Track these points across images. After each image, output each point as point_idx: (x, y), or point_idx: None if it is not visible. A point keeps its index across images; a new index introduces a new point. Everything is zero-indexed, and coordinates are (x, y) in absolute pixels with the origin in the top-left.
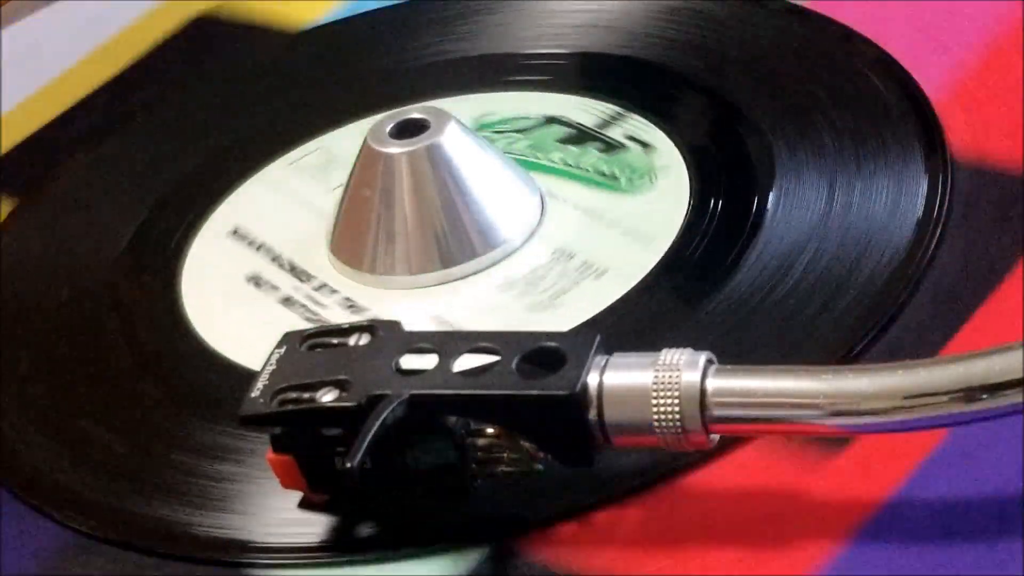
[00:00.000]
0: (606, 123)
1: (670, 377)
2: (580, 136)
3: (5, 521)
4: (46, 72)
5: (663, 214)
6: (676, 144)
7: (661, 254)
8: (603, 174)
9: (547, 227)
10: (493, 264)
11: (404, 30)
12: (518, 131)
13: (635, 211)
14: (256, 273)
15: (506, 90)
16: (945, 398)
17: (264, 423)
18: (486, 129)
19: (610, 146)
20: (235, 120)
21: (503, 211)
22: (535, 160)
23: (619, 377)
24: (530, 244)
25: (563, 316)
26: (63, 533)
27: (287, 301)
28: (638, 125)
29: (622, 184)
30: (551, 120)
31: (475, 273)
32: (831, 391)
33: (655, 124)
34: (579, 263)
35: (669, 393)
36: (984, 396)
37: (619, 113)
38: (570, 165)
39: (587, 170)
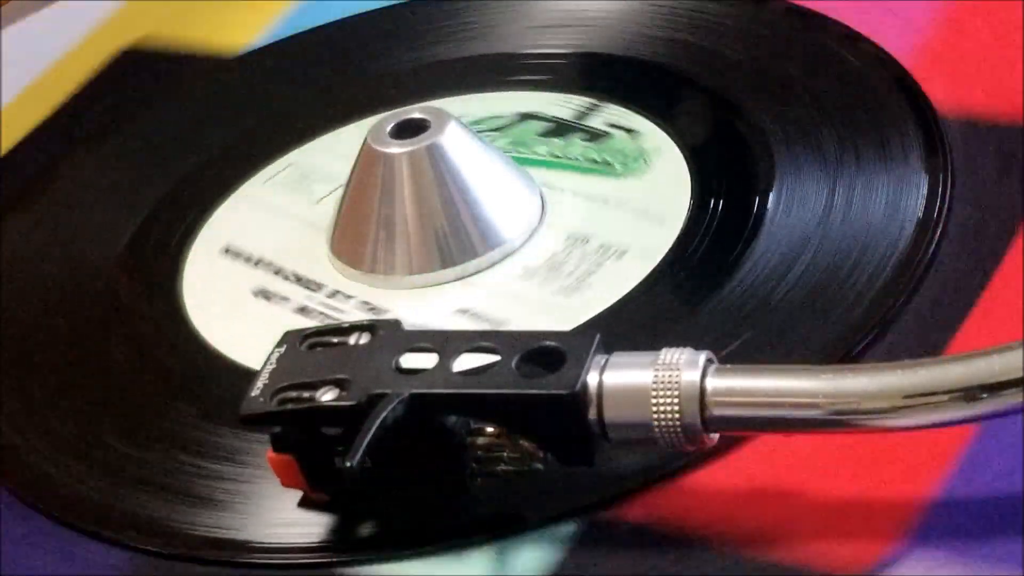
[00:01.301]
0: (583, 114)
1: (670, 376)
2: (560, 128)
3: (5, 521)
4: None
5: (668, 192)
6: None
7: (677, 230)
8: (595, 161)
9: (553, 216)
10: (493, 264)
11: (404, 30)
12: (494, 130)
13: (638, 192)
14: (262, 287)
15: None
16: (945, 398)
17: (264, 422)
18: None
19: (594, 135)
20: (233, 121)
21: (503, 211)
22: (519, 155)
23: (619, 376)
24: (540, 234)
25: (594, 297)
26: (63, 533)
27: (303, 310)
28: (616, 113)
29: (617, 168)
30: (526, 116)
31: (475, 273)
32: (831, 391)
33: (657, 125)
34: (596, 246)
35: (669, 392)
36: (984, 396)
37: (594, 104)
38: (558, 156)
39: (577, 159)
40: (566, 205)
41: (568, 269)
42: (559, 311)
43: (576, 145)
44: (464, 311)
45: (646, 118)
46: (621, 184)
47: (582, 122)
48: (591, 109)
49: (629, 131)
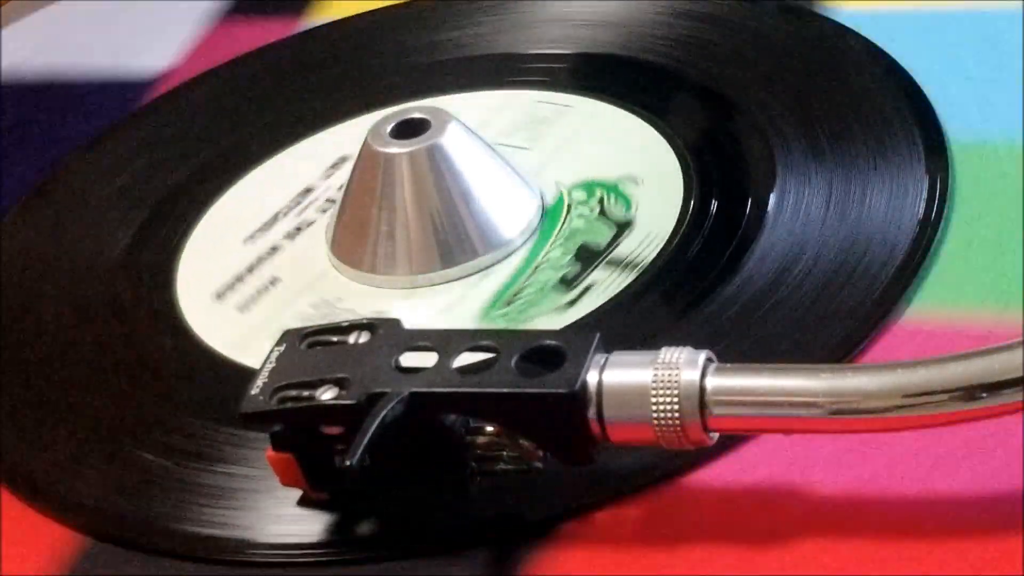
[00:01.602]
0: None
1: (669, 375)
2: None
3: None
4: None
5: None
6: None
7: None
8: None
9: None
10: (494, 264)
11: (404, 30)
12: None
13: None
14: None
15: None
16: (945, 397)
17: (264, 421)
18: None
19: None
20: (233, 121)
21: (503, 211)
22: None
23: (619, 375)
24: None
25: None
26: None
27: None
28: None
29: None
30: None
31: (475, 273)
32: (830, 390)
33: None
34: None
35: (668, 391)
36: (984, 395)
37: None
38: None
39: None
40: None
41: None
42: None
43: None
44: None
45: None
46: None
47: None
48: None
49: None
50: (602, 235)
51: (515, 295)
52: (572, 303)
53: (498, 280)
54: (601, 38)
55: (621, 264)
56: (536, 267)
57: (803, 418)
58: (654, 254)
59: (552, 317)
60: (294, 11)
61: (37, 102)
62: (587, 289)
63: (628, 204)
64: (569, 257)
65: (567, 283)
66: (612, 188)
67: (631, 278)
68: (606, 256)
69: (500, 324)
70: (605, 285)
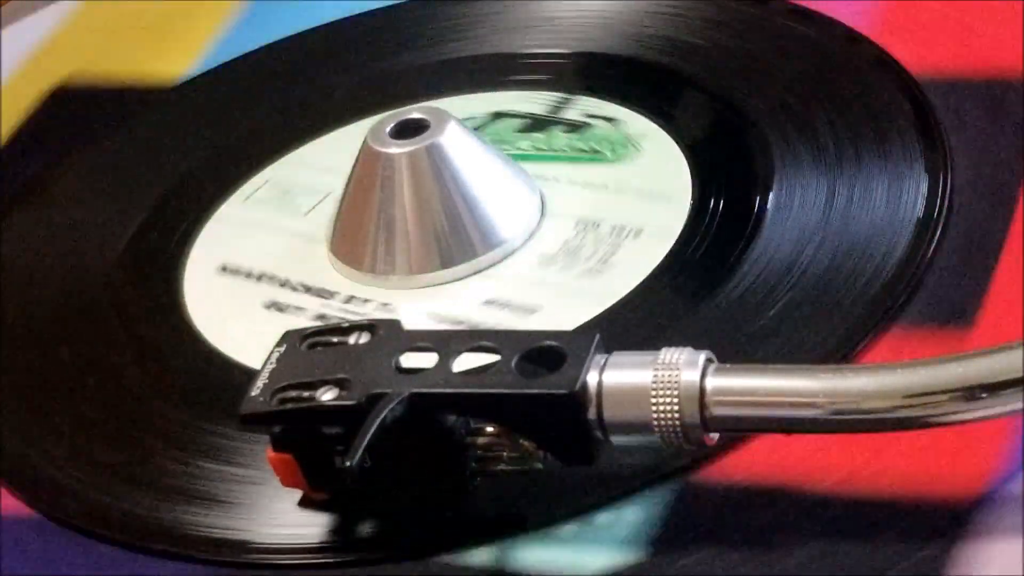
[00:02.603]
0: (557, 108)
1: (669, 376)
2: (537, 123)
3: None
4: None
5: (667, 174)
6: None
7: (687, 205)
8: (582, 150)
9: (553, 206)
10: (493, 264)
11: (404, 30)
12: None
13: (636, 175)
14: (273, 300)
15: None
16: (945, 397)
17: (264, 422)
18: None
19: (574, 126)
20: (233, 121)
21: (503, 211)
22: (504, 151)
23: (619, 376)
24: (545, 223)
25: (621, 277)
26: (63, 533)
27: (322, 318)
28: (591, 104)
29: (607, 155)
30: (497, 115)
31: (475, 273)
32: (830, 390)
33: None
34: (609, 228)
35: (668, 392)
36: (984, 395)
37: (565, 98)
38: (542, 149)
39: (564, 150)
40: (564, 194)
41: (586, 253)
42: (587, 294)
43: (558, 137)
44: (491, 302)
45: (623, 106)
46: (615, 169)
47: (557, 115)
48: (563, 103)
49: (609, 119)
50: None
51: None
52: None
53: None
54: (601, 38)
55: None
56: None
57: (803, 418)
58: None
59: None
60: None
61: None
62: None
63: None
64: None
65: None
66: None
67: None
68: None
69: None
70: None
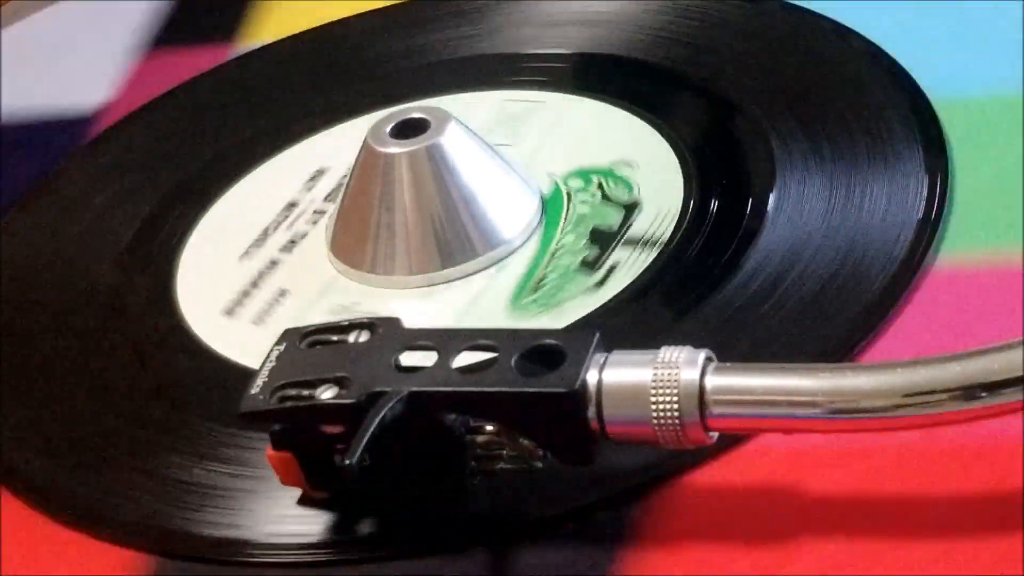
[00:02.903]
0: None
1: (669, 375)
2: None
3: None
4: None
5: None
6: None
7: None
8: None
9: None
10: (493, 263)
11: (404, 30)
12: None
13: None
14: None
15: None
16: (945, 396)
17: (264, 420)
18: None
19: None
20: (232, 121)
21: (503, 211)
22: None
23: (618, 375)
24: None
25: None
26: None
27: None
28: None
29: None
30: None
31: (475, 273)
32: (830, 389)
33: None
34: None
35: (668, 391)
36: (984, 394)
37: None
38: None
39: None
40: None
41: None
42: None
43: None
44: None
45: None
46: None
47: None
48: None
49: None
50: (611, 218)
51: (539, 282)
52: (601, 283)
53: (516, 271)
54: (601, 38)
55: (639, 242)
56: (552, 254)
57: (803, 418)
58: (671, 229)
59: (584, 299)
60: (224, 38)
61: None
62: (612, 268)
63: (629, 186)
64: (584, 241)
65: (590, 265)
66: (607, 173)
67: (654, 254)
68: (622, 236)
69: (533, 310)
70: (630, 264)
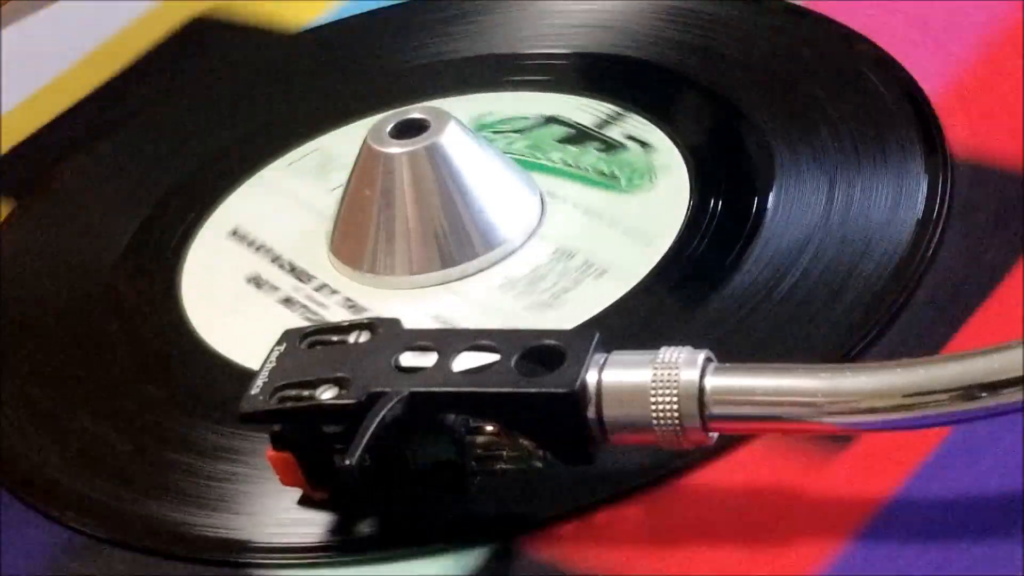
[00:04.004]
0: (605, 123)
1: (669, 375)
2: (579, 136)
3: (5, 521)
4: (46, 72)
5: (663, 214)
6: (676, 144)
7: (661, 254)
8: (603, 173)
9: (547, 226)
10: (493, 264)
11: (404, 30)
12: (516, 131)
13: (635, 211)
14: (256, 274)
15: (506, 90)
16: (944, 396)
17: (264, 420)
18: (485, 129)
19: (609, 146)
20: (233, 121)
21: (503, 211)
22: (534, 160)
23: (618, 375)
24: (531, 243)
25: (564, 315)
26: (63, 533)
27: (287, 301)
28: (637, 125)
29: (622, 184)
30: (550, 120)
31: (476, 273)
32: (830, 389)
33: (655, 124)
34: (580, 262)
35: (668, 391)
36: (984, 394)
37: (618, 113)
38: (570, 165)
39: (587, 169)
40: (564, 216)
41: (546, 285)
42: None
43: (589, 155)
44: (437, 317)
45: (663, 131)
46: (621, 200)
47: (601, 131)
48: (614, 118)
49: (645, 144)
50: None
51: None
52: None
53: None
54: (601, 38)
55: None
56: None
57: (802, 418)
58: (654, 255)
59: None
60: None
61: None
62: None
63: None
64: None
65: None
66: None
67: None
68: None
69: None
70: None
